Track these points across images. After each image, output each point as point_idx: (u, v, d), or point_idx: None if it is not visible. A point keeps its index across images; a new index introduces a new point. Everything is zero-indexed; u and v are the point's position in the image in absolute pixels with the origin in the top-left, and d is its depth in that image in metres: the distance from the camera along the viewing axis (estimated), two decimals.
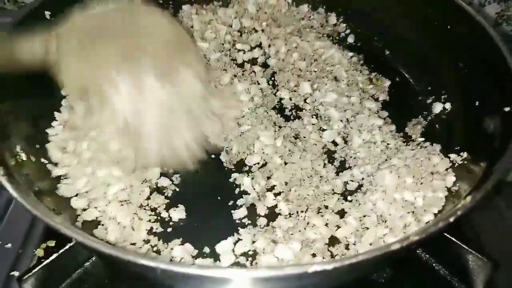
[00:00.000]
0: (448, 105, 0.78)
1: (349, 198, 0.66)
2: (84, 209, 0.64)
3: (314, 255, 0.59)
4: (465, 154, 0.67)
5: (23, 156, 0.63)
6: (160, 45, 0.61)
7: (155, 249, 0.60)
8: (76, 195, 0.65)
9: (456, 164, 0.67)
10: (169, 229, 0.63)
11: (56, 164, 0.68)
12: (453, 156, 0.68)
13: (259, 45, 0.90)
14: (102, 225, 0.62)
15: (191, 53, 0.66)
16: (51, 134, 0.72)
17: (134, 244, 0.59)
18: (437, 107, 0.78)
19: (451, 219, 0.45)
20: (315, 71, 0.84)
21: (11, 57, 0.61)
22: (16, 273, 0.64)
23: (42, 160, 0.68)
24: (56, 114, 0.74)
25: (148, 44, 0.61)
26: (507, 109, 0.60)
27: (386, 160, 0.69)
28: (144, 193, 0.66)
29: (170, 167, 0.67)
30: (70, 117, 0.74)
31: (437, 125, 0.77)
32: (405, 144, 0.73)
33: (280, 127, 0.75)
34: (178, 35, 0.65)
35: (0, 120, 0.63)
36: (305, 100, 0.80)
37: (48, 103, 0.75)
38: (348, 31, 0.94)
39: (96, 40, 0.60)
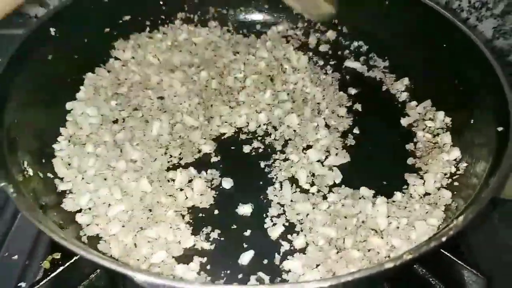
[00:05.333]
0: (448, 120, 0.80)
1: None
2: (88, 225, 0.65)
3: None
4: (462, 168, 0.70)
5: (30, 171, 0.65)
6: None
7: (158, 264, 0.62)
8: (80, 210, 0.67)
9: (456, 176, 0.70)
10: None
11: (61, 179, 0.70)
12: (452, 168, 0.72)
13: None
14: (105, 241, 0.64)
15: None
16: (56, 149, 0.74)
17: (137, 259, 0.61)
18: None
19: (443, 239, 0.47)
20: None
21: None
22: (23, 284, 0.66)
23: (49, 174, 0.69)
24: (61, 129, 0.76)
25: None
26: (500, 129, 0.62)
27: None
28: (144, 217, 0.66)
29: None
30: (76, 132, 0.76)
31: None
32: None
33: None
34: None
35: (8, 135, 0.64)
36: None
37: (54, 118, 0.77)
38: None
39: None
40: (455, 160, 0.73)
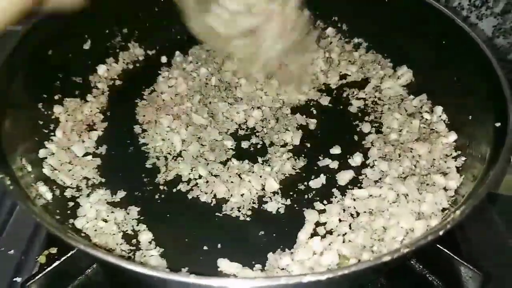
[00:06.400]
0: (445, 117, 0.80)
1: None
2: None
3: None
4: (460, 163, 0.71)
5: (29, 167, 0.65)
6: None
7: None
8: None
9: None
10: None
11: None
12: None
13: None
14: None
15: None
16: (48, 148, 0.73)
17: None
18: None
19: (440, 233, 0.47)
20: None
21: None
22: (19, 279, 0.66)
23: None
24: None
25: None
26: (497, 124, 0.62)
27: None
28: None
29: None
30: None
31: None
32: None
33: None
34: None
35: (6, 132, 0.63)
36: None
37: (48, 114, 0.77)
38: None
39: None
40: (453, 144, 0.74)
